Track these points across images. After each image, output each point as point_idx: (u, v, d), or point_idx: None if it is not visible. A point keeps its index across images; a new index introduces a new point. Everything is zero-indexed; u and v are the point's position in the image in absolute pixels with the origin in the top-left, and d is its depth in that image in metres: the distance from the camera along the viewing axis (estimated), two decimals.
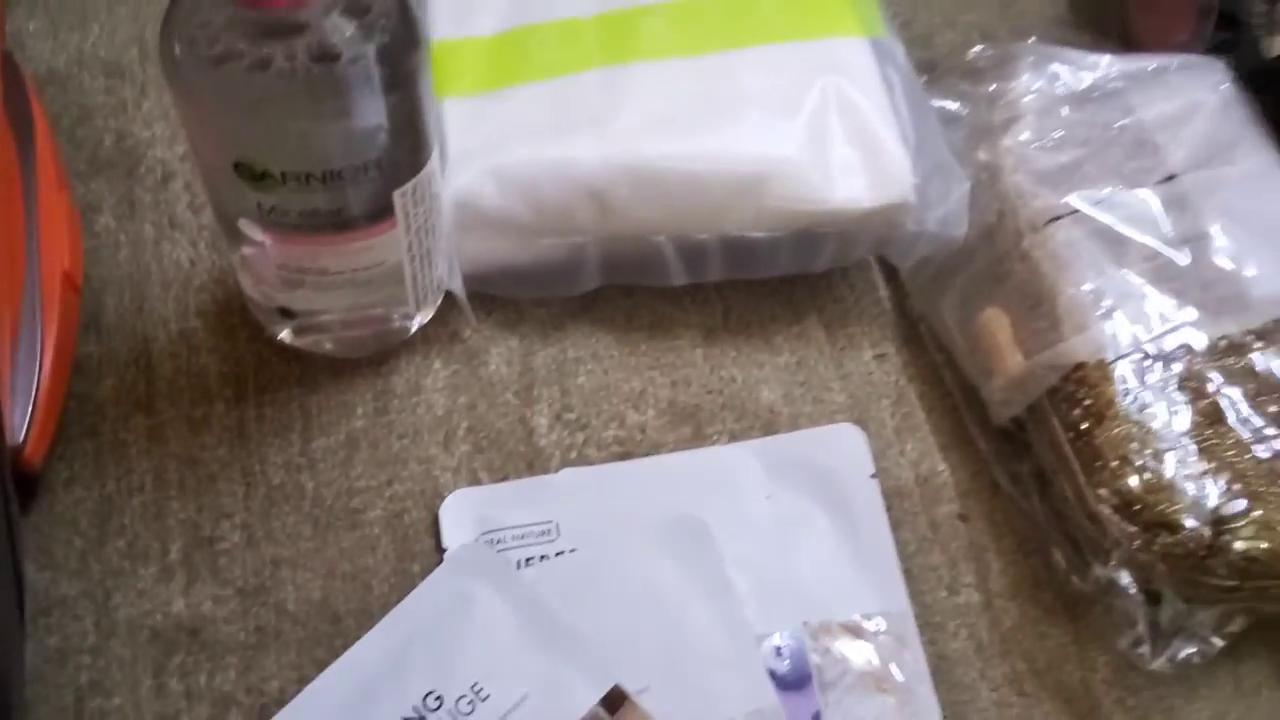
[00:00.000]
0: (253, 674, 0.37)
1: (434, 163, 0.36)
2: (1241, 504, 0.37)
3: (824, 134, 0.42)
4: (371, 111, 0.32)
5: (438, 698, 0.35)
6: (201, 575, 0.39)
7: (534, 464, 0.41)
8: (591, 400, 0.42)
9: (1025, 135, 0.43)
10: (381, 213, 0.35)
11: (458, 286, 0.42)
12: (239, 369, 0.42)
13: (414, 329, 0.42)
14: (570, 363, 0.43)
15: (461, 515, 0.40)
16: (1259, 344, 0.40)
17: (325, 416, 0.41)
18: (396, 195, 0.35)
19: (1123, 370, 0.39)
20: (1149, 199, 0.42)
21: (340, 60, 0.31)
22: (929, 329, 0.44)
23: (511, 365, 0.43)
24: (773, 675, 0.36)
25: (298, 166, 0.33)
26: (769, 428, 0.42)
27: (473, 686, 0.35)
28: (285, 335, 0.42)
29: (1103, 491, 0.38)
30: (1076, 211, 0.41)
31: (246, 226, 0.35)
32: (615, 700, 0.35)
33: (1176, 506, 0.37)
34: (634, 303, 0.45)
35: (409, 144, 0.34)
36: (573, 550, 0.39)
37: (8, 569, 0.35)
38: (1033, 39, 0.48)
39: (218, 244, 0.44)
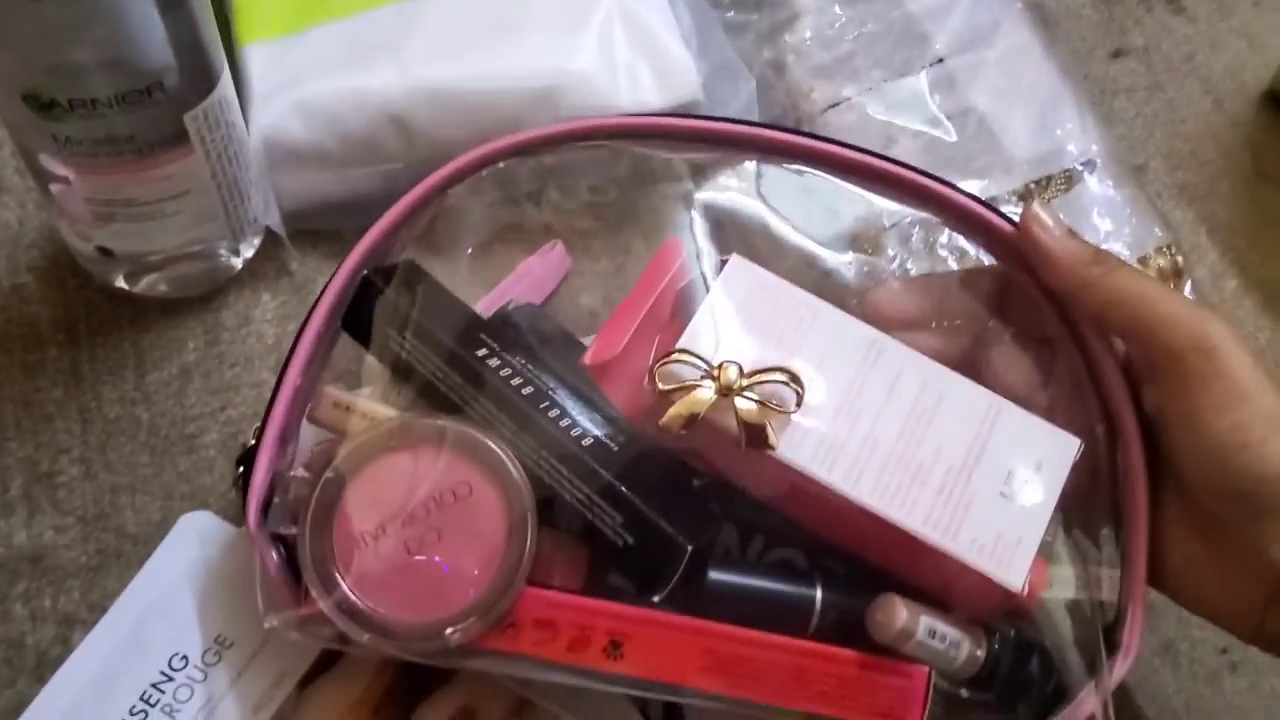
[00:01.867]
0: (95, 593, 0.39)
1: (223, 88, 0.38)
2: None
3: (610, 44, 0.44)
4: (150, 33, 0.34)
5: (183, 658, 0.35)
6: (42, 508, 0.40)
7: None
8: None
9: (804, 33, 0.46)
10: (177, 138, 0.37)
11: (275, 223, 0.44)
12: (70, 316, 0.43)
13: (240, 265, 0.44)
14: None
15: None
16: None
17: (158, 352, 0.43)
18: (188, 119, 0.37)
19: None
20: (919, 82, 0.45)
21: None
22: None
23: None
24: None
25: (82, 93, 0.34)
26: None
27: (217, 639, 0.35)
28: (120, 282, 0.43)
29: None
30: (851, 99, 0.45)
31: (48, 162, 0.37)
32: None
33: None
34: None
35: (192, 67, 0.36)
36: None
37: None
38: None
39: (46, 203, 0.46)
